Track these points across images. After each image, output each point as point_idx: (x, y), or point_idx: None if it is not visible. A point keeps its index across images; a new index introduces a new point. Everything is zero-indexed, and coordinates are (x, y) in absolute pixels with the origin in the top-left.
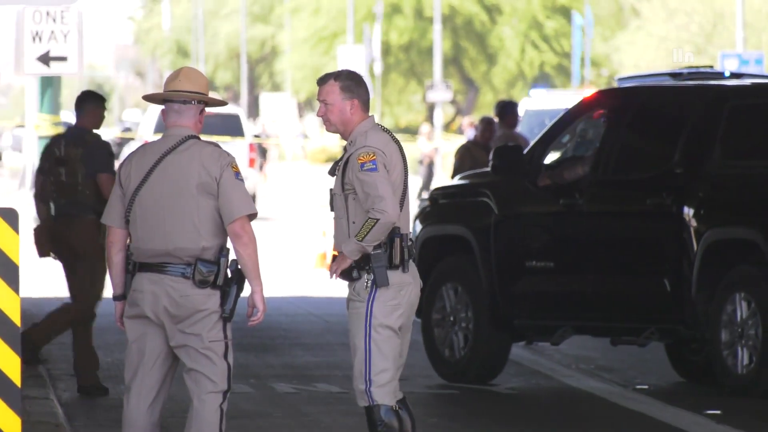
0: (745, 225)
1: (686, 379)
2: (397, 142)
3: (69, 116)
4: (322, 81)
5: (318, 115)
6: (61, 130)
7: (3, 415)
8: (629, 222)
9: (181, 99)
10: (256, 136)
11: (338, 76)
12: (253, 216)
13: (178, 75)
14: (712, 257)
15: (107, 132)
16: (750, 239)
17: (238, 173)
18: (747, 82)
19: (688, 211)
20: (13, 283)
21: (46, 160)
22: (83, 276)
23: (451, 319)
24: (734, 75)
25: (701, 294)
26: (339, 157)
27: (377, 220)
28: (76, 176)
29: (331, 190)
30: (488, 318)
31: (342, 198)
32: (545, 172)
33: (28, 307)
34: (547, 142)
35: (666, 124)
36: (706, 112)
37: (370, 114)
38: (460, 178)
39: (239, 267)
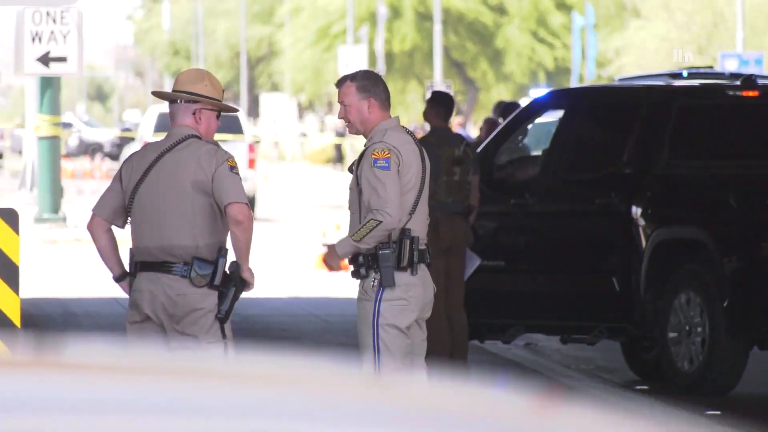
0: (693, 224)
1: (640, 377)
2: (418, 144)
3: (69, 117)
4: (340, 83)
5: (339, 118)
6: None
7: None
8: (578, 221)
9: (172, 98)
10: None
11: (354, 76)
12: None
13: (178, 76)
14: (659, 256)
15: (107, 132)
16: (697, 239)
17: (233, 167)
18: (696, 82)
19: (636, 211)
20: (13, 283)
21: (445, 160)
22: (452, 272)
23: None
24: (734, 75)
25: (649, 293)
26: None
27: (380, 222)
28: (467, 176)
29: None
30: None
31: (356, 193)
32: (497, 172)
33: (27, 307)
34: (500, 142)
35: (616, 125)
36: (655, 113)
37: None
38: None
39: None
